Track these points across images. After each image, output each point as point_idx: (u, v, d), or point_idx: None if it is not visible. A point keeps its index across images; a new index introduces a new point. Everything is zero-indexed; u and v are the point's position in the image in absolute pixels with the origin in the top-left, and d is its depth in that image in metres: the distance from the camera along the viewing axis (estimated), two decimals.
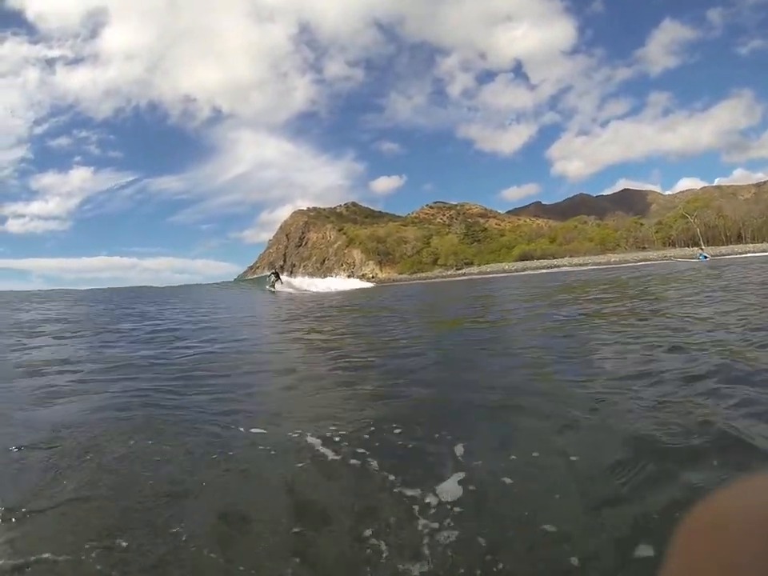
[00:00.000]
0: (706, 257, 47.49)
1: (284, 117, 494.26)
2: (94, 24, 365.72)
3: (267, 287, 37.40)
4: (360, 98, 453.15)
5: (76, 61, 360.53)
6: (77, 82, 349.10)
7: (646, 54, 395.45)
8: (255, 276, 74.63)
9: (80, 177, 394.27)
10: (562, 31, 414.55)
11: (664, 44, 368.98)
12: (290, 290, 37.36)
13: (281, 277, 40.18)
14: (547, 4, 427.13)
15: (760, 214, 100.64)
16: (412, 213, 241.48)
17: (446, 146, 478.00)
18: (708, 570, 0.41)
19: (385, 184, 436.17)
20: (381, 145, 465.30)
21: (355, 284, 53.18)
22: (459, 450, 3.13)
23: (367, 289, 46.37)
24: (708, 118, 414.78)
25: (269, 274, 41.24)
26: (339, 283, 48.67)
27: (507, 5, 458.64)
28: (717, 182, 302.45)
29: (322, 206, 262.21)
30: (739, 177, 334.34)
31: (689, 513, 0.46)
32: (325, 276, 65.97)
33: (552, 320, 9.61)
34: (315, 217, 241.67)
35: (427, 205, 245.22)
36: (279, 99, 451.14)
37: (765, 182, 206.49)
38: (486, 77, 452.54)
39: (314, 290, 39.48)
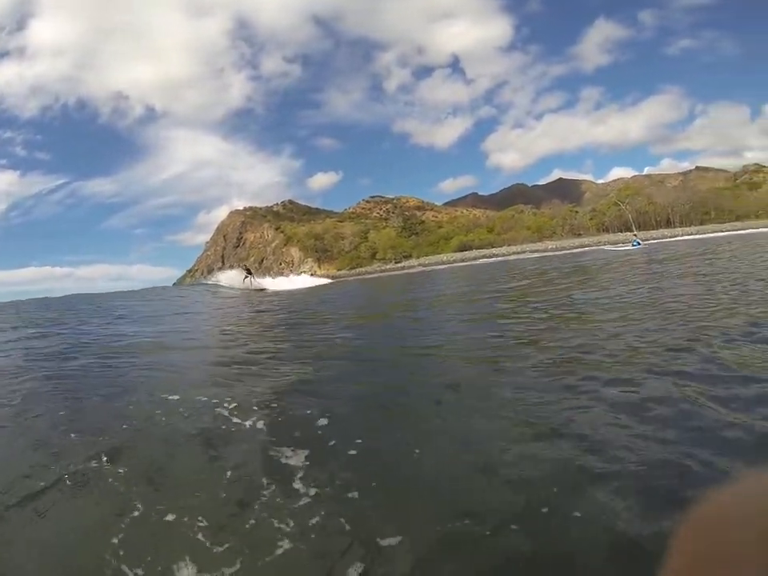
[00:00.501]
0: (638, 243, 47.71)
1: (220, 114, 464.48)
2: (21, 15, 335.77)
3: (243, 283, 37.09)
4: (297, 94, 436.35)
5: (0, 55, 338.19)
6: (1, 77, 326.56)
7: (579, 51, 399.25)
8: (194, 281, 69.41)
9: (5, 181, 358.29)
10: (499, 29, 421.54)
11: (597, 42, 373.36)
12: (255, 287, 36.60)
13: (253, 275, 39.32)
14: (486, 2, 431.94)
15: (687, 201, 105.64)
16: (349, 208, 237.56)
17: (383, 141, 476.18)
18: (708, 567, 0.41)
19: (322, 180, 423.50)
20: (318, 141, 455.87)
21: (314, 281, 50.90)
22: (323, 420, 4.08)
23: (326, 285, 45.86)
24: (638, 111, 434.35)
25: (244, 272, 39.85)
26: (300, 281, 46.60)
27: (447, 2, 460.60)
28: (646, 171, 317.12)
29: (259, 205, 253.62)
30: (667, 166, 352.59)
31: (689, 510, 0.46)
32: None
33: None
34: (252, 216, 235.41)
35: (364, 199, 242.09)
36: (215, 96, 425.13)
37: (690, 171, 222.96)
38: (424, 72, 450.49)
39: (276, 288, 38.07)
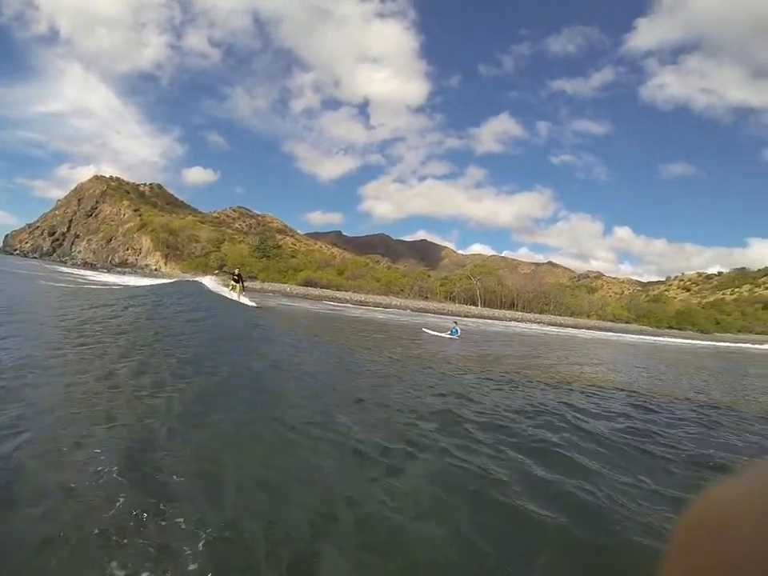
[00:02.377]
0: (457, 331, 40.14)
1: (124, 69, 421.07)
2: None
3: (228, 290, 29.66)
4: (207, 80, 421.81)
5: None
6: None
7: (478, 133, 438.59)
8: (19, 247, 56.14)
9: None
10: (416, 90, 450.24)
11: (495, 132, 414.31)
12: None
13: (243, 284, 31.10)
14: (414, 63, 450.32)
15: (533, 290, 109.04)
16: (214, 212, 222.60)
17: (270, 155, 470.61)
18: (707, 566, 0.41)
19: (198, 175, 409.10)
20: (208, 134, 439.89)
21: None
22: None
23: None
24: (511, 200, 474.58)
25: (229, 274, 33.00)
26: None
27: (380, 49, 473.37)
28: (504, 253, 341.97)
29: (126, 179, 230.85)
30: (523, 254, 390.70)
31: (687, 509, 0.46)
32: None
33: None
34: (115, 188, 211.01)
35: (231, 207, 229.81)
36: (126, 48, 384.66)
37: (542, 264, 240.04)
38: (333, 104, 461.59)
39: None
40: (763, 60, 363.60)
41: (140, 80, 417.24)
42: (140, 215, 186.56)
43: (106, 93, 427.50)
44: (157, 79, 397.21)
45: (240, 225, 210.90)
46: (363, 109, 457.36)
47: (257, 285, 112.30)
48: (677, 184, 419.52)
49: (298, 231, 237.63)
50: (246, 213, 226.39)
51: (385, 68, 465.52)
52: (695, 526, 0.45)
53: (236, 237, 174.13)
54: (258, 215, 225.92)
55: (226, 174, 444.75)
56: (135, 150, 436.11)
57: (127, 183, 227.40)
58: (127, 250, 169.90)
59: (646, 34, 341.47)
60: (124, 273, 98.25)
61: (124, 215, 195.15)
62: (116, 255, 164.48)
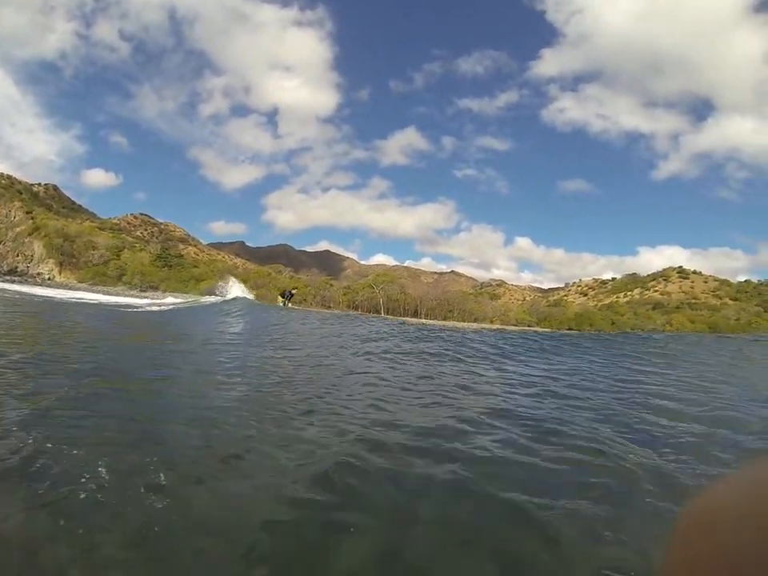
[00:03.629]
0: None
1: (25, 54, 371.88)
2: None
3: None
4: (114, 74, 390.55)
5: None
6: None
7: (384, 146, 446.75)
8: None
9: None
10: (326, 100, 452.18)
11: (401, 145, 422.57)
12: None
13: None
14: (326, 74, 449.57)
15: (436, 297, 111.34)
16: (114, 218, 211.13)
17: (175, 162, 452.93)
18: (705, 564, 0.42)
19: (98, 178, 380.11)
20: (111, 134, 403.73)
21: None
22: None
23: None
24: (414, 212, 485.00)
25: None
26: None
27: (292, 58, 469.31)
28: (407, 263, 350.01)
29: (20, 178, 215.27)
30: (426, 264, 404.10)
31: (685, 508, 0.47)
32: None
33: None
34: (6, 187, 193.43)
35: (132, 214, 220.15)
36: (31, 32, 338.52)
37: (445, 273, 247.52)
38: (242, 111, 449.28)
39: None
40: (653, 92, 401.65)
41: (42, 69, 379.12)
42: (33, 218, 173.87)
43: (3, 79, 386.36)
44: (60, 70, 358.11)
45: (141, 233, 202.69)
46: (272, 117, 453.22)
47: (158, 294, 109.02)
48: (573, 199, 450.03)
49: (201, 241, 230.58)
50: (148, 220, 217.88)
51: (297, 77, 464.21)
52: (693, 524, 0.45)
53: (137, 245, 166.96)
54: (161, 223, 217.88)
55: (128, 178, 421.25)
56: (30, 146, 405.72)
57: (20, 182, 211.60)
58: (17, 256, 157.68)
59: (550, 63, 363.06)
60: (21, 282, 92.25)
61: (15, 217, 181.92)
62: (5, 262, 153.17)
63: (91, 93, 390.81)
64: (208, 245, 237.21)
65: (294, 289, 55.49)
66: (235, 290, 48.64)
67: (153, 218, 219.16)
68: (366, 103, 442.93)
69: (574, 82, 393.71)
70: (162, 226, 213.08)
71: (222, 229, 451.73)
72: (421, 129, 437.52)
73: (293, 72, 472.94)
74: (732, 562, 0.39)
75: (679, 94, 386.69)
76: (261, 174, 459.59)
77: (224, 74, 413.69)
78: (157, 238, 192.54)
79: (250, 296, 47.69)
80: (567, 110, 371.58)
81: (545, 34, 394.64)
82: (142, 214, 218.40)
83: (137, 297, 70.09)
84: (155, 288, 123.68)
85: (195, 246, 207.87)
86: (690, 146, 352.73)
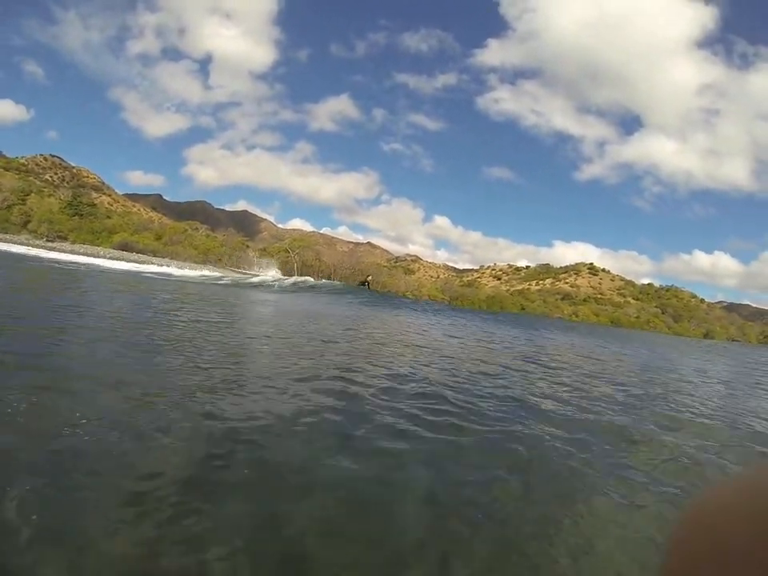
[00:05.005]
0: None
1: None
2: None
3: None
4: None
5: None
6: None
7: (314, 110, 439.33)
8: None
9: None
10: (263, 55, 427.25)
11: (332, 111, 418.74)
12: None
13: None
14: (268, 28, 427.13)
15: (350, 267, 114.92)
16: (21, 157, 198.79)
17: (94, 100, 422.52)
18: (704, 566, 0.42)
19: (6, 110, 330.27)
20: (25, 62, 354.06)
21: None
22: None
23: None
24: (336, 179, 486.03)
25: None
26: None
27: (234, 4, 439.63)
28: (324, 230, 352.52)
29: None
30: (342, 232, 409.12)
31: (684, 510, 0.47)
32: None
33: None
34: None
35: (42, 155, 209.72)
36: None
37: (362, 243, 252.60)
38: (173, 54, 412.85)
39: None
40: (587, 99, 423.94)
41: None
42: None
43: None
44: None
45: (51, 176, 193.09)
46: (204, 66, 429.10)
47: (66, 246, 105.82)
48: (497, 185, 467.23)
49: (116, 190, 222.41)
50: (59, 163, 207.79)
51: (236, 26, 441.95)
52: (692, 527, 0.46)
53: (45, 189, 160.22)
54: (74, 167, 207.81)
55: (40, 113, 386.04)
56: None
57: None
58: None
59: (494, 53, 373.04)
60: None
61: None
62: None
63: (8, 11, 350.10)
64: (123, 195, 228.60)
65: (369, 276, 78.63)
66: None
67: (65, 161, 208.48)
68: (304, 64, 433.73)
69: (514, 76, 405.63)
70: (75, 171, 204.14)
71: (140, 179, 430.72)
72: (354, 97, 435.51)
73: (233, 20, 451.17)
74: (731, 564, 0.40)
75: (612, 104, 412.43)
76: (185, 124, 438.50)
77: (159, 11, 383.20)
78: (68, 183, 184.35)
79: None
80: (503, 100, 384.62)
81: (495, 24, 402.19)
82: (53, 156, 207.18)
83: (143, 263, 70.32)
84: (63, 238, 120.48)
85: (110, 195, 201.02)
86: (614, 154, 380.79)
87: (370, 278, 76.70)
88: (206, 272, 57.21)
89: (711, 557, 0.42)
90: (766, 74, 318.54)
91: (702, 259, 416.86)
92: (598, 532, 3.85)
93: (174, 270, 56.26)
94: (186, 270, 61.98)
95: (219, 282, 40.45)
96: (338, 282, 63.48)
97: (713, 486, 0.47)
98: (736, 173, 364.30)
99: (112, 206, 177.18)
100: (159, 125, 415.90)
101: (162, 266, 64.54)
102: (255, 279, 51.26)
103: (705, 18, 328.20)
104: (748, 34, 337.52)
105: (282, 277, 59.53)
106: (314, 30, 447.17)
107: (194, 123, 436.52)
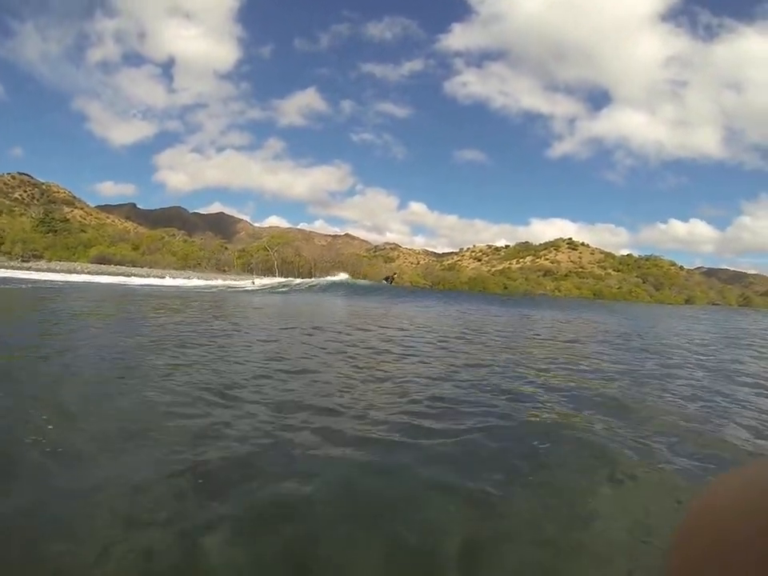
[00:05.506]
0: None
1: None
2: None
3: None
4: None
5: None
6: None
7: (282, 105, 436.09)
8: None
9: None
10: (226, 54, 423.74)
11: (300, 105, 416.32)
12: None
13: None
14: (229, 25, 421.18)
15: (330, 260, 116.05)
16: None
17: (57, 112, 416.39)
18: (707, 565, 0.42)
19: None
20: None
21: None
22: None
23: None
24: (308, 173, 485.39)
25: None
26: None
27: (193, 4, 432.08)
28: (300, 225, 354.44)
29: None
30: (319, 226, 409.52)
31: (689, 504, 0.47)
32: None
33: None
34: None
35: (9, 173, 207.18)
36: None
37: (339, 236, 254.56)
38: (135, 60, 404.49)
39: None
40: (555, 77, 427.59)
41: None
42: None
43: None
44: None
45: (21, 194, 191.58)
46: (167, 69, 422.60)
47: (42, 264, 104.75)
48: (469, 168, 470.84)
49: (88, 203, 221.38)
50: (27, 180, 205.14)
51: (197, 26, 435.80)
52: (696, 521, 0.46)
53: (16, 209, 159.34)
54: (42, 183, 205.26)
55: (2, 130, 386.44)
56: None
57: None
58: None
59: (459, 37, 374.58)
60: None
61: None
62: None
63: None
64: (96, 207, 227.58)
65: (394, 274, 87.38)
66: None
67: (33, 178, 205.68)
68: (268, 60, 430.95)
69: (480, 58, 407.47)
70: (44, 187, 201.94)
71: (111, 190, 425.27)
72: (321, 90, 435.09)
73: (193, 20, 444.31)
74: (735, 561, 0.40)
75: (579, 81, 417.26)
76: (152, 130, 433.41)
77: (117, 16, 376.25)
78: (38, 200, 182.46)
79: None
80: (470, 84, 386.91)
81: (458, 9, 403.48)
82: (20, 174, 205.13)
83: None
84: (39, 257, 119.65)
85: (82, 208, 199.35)
86: (585, 130, 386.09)
87: (395, 274, 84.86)
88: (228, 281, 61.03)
89: (715, 554, 0.42)
90: (731, 44, 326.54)
91: (678, 227, 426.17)
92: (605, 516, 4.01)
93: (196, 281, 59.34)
94: (225, 280, 65.72)
95: (246, 289, 43.26)
96: (365, 281, 70.59)
97: (715, 482, 0.47)
98: (706, 141, 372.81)
99: (85, 219, 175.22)
100: (126, 133, 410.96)
101: (178, 278, 66.82)
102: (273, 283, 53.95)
103: None
104: (712, 4, 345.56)
105: (307, 281, 63.89)
106: (276, 25, 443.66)
107: (162, 128, 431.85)
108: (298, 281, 61.73)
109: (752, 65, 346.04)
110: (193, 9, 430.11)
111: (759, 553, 0.38)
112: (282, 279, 70.63)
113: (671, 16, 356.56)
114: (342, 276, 73.06)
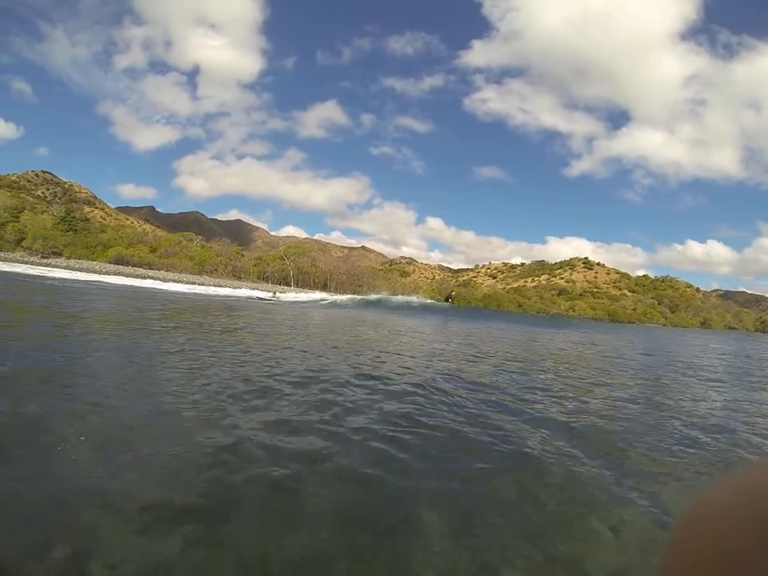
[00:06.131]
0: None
1: None
2: None
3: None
4: (24, 9, 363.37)
5: None
6: None
7: (302, 117, 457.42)
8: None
9: None
10: (249, 65, 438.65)
11: (320, 118, 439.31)
12: None
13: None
14: (253, 37, 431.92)
15: (346, 272, 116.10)
16: (12, 174, 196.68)
17: (83, 115, 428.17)
18: (703, 565, 0.42)
19: None
20: (13, 80, 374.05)
21: None
22: None
23: None
24: (327, 185, 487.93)
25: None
26: None
27: (219, 15, 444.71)
28: (317, 236, 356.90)
29: None
30: (336, 238, 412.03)
31: (683, 510, 0.48)
32: None
33: None
34: None
35: (33, 171, 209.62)
36: None
37: (356, 248, 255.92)
38: (161, 67, 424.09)
39: None
40: (574, 95, 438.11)
41: None
42: None
43: None
44: None
45: (43, 192, 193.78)
46: (192, 78, 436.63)
47: (61, 262, 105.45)
48: (488, 185, 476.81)
49: (109, 204, 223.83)
50: (50, 179, 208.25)
51: (222, 36, 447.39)
52: (691, 526, 0.46)
53: (38, 206, 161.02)
54: (65, 183, 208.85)
55: (30, 130, 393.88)
56: None
57: None
58: None
59: (479, 54, 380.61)
60: None
61: None
62: None
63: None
64: (116, 208, 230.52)
65: (452, 292, 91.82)
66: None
67: (56, 177, 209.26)
68: (290, 72, 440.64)
69: (500, 75, 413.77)
70: (67, 186, 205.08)
71: (131, 192, 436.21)
72: (342, 103, 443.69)
73: (218, 30, 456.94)
74: (732, 565, 0.40)
75: (599, 100, 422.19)
76: (175, 136, 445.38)
77: (145, 24, 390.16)
78: (60, 198, 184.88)
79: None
80: (490, 100, 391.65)
81: (478, 25, 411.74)
82: (44, 172, 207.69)
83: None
84: (58, 254, 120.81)
85: (102, 209, 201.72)
86: (603, 149, 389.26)
87: (453, 293, 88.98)
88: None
89: (712, 559, 0.42)
90: (750, 62, 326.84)
91: (695, 248, 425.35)
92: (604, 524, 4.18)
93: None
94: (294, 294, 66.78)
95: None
96: (429, 300, 72.83)
97: (711, 486, 0.47)
98: (724, 161, 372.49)
99: (105, 219, 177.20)
100: (149, 137, 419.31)
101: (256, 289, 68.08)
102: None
103: (687, 10, 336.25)
104: (731, 23, 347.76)
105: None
106: (300, 37, 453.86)
107: (184, 135, 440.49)
108: (359, 297, 62.45)
109: None
110: (219, 20, 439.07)
111: (754, 560, 0.38)
112: (353, 296, 71.04)
113: (691, 35, 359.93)
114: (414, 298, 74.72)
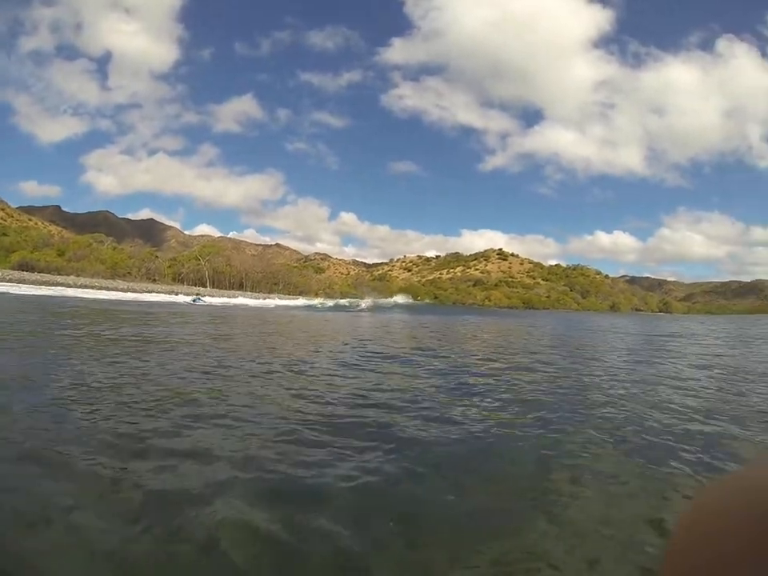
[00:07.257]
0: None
1: None
2: None
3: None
4: None
5: None
6: None
7: (218, 111, 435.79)
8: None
9: None
10: (164, 54, 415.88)
11: (236, 112, 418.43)
12: None
13: None
14: (169, 24, 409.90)
15: (262, 270, 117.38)
16: None
17: None
18: (705, 564, 0.42)
19: None
20: None
21: None
22: None
23: None
24: (241, 182, 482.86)
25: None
26: None
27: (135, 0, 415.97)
28: (231, 234, 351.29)
29: None
30: (249, 235, 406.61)
31: (686, 508, 0.47)
32: None
33: None
34: None
35: None
36: None
37: (270, 246, 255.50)
38: (69, 52, 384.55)
39: None
40: (490, 94, 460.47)
41: None
42: None
43: None
44: None
45: None
46: (103, 65, 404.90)
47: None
48: (402, 179, 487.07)
49: (9, 204, 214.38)
50: None
51: (136, 21, 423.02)
52: (694, 524, 0.46)
53: None
54: None
55: None
56: None
57: None
58: None
59: (398, 51, 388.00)
60: None
61: None
62: None
63: None
64: (18, 208, 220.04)
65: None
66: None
67: None
68: (207, 63, 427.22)
69: (418, 72, 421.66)
70: None
71: (35, 190, 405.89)
72: (258, 97, 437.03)
73: (133, 15, 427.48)
74: (731, 565, 0.40)
75: (514, 99, 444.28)
76: (82, 129, 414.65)
77: (55, 5, 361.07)
78: None
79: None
80: (407, 97, 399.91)
81: (400, 22, 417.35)
82: None
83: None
84: None
85: (3, 209, 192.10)
86: (517, 145, 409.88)
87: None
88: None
89: (710, 560, 0.42)
90: (657, 71, 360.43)
91: (603, 238, 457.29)
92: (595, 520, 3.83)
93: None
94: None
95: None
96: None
97: (711, 485, 0.47)
98: (630, 159, 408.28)
99: (6, 221, 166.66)
100: (54, 130, 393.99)
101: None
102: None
103: (601, 20, 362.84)
104: (641, 34, 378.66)
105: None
106: (218, 27, 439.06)
107: (92, 127, 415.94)
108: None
109: (675, 91, 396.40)
110: (134, 4, 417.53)
111: (755, 558, 0.38)
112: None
113: (603, 43, 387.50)
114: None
